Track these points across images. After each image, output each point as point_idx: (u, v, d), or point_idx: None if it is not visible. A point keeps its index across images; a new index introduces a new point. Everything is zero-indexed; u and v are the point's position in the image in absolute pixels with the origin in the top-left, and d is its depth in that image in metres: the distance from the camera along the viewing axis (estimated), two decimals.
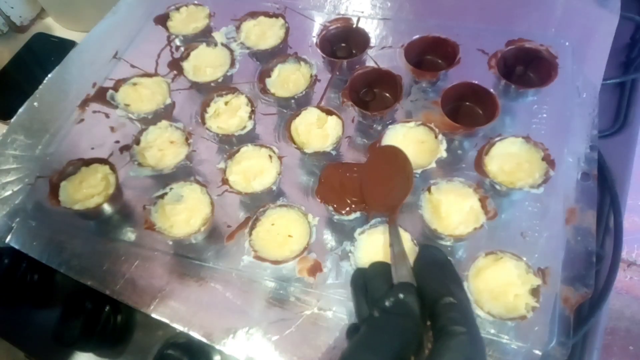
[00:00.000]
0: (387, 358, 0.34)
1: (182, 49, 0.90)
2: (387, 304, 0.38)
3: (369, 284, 0.41)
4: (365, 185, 0.64)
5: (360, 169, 0.67)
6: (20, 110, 0.83)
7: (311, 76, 0.80)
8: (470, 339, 0.35)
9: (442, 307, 0.37)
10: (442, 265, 0.42)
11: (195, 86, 0.85)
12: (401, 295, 0.38)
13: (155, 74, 0.85)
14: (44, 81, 0.86)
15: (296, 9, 0.93)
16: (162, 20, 0.93)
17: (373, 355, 0.35)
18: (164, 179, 0.73)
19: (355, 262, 0.61)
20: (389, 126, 0.72)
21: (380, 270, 0.42)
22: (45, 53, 1.02)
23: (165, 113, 0.81)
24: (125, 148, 0.79)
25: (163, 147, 0.75)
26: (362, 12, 0.90)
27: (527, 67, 0.79)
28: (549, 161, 0.65)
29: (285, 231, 0.65)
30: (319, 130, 0.73)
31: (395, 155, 0.62)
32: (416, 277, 0.40)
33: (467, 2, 0.89)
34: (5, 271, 0.70)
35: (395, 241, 0.45)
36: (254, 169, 0.71)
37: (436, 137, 0.69)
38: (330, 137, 0.72)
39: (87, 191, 0.71)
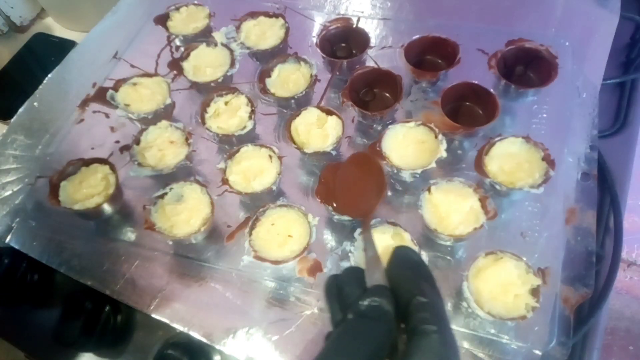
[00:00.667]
0: None
1: (182, 49, 0.90)
2: (360, 307, 0.37)
3: (342, 289, 0.40)
4: (339, 190, 0.64)
5: (335, 174, 0.67)
6: (20, 110, 0.83)
7: (311, 76, 0.80)
8: (441, 337, 0.34)
9: (414, 307, 0.36)
10: (415, 266, 0.41)
11: (195, 86, 0.85)
12: (374, 298, 0.37)
13: (155, 74, 0.85)
14: (44, 81, 0.86)
15: (296, 9, 0.93)
16: (162, 20, 0.93)
17: (346, 358, 0.35)
18: (164, 179, 0.73)
19: (355, 262, 0.61)
20: (389, 126, 0.72)
21: (353, 275, 0.41)
22: (45, 53, 1.02)
23: (165, 113, 0.81)
24: (125, 148, 0.79)
25: (163, 147, 0.75)
26: (362, 12, 0.90)
27: (527, 67, 0.79)
28: (549, 161, 0.65)
29: (285, 231, 0.65)
30: (319, 130, 0.73)
31: (369, 162, 0.62)
32: (389, 279, 0.39)
33: (467, 2, 0.89)
34: (5, 271, 0.70)
35: (368, 245, 0.44)
36: (254, 169, 0.71)
37: (436, 137, 0.69)
38: (330, 137, 0.72)
39: (87, 191, 0.71)
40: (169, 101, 0.81)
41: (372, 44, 0.84)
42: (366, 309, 0.37)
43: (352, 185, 0.62)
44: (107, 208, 0.72)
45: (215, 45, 0.87)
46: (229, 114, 0.78)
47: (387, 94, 0.80)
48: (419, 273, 0.41)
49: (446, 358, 0.34)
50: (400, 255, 0.42)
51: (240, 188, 0.69)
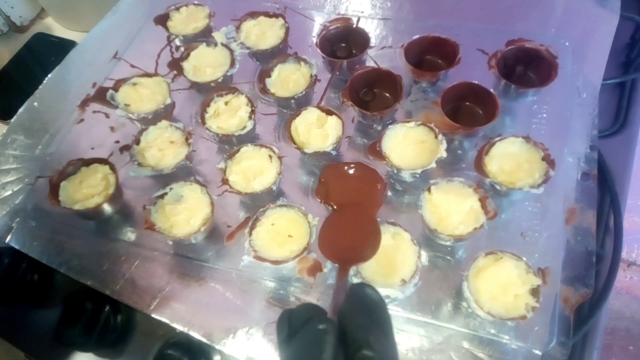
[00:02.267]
0: None
1: (182, 49, 0.90)
2: (304, 328, 0.36)
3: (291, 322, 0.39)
4: (328, 228, 0.62)
5: (334, 212, 0.67)
6: (20, 110, 0.83)
7: (311, 76, 0.80)
8: None
9: None
10: (371, 308, 0.39)
11: (195, 86, 0.85)
12: (320, 326, 0.36)
13: (155, 74, 0.85)
14: (44, 81, 0.86)
15: (296, 9, 0.93)
16: (162, 20, 0.93)
17: None
18: (164, 179, 0.73)
19: None
20: (389, 126, 0.72)
21: (305, 312, 0.39)
22: (45, 53, 1.02)
23: (165, 113, 0.81)
24: (125, 148, 0.79)
25: (163, 147, 0.75)
26: (362, 12, 0.90)
27: (527, 67, 0.79)
28: (549, 161, 0.65)
29: (285, 231, 0.65)
30: (319, 130, 0.73)
31: (374, 224, 0.61)
32: (340, 323, 0.37)
33: (467, 2, 0.89)
34: (5, 271, 0.70)
35: (339, 290, 0.42)
36: (254, 169, 0.71)
37: (436, 137, 0.69)
38: (330, 137, 0.72)
39: (87, 191, 0.71)
40: (169, 101, 0.81)
41: (372, 44, 0.84)
42: (308, 330, 0.36)
43: (343, 232, 0.62)
44: (107, 208, 0.72)
45: (215, 45, 0.87)
46: (229, 114, 0.78)
47: (387, 94, 0.80)
48: (372, 318, 0.38)
49: None
50: (356, 295, 0.40)
51: (240, 188, 0.69)
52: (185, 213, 0.68)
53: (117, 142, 0.80)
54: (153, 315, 0.64)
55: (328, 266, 0.65)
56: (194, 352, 0.62)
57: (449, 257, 0.64)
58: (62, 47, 0.99)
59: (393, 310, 0.61)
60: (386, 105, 0.76)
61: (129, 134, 0.79)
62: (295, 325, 0.38)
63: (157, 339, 0.66)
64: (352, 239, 0.60)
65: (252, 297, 0.64)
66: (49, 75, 0.87)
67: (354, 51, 0.86)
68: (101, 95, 0.84)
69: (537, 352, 0.56)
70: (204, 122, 0.77)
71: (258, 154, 0.72)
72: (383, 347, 0.35)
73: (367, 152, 0.74)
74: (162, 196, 0.69)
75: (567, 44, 0.79)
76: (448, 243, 0.64)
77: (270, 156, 0.72)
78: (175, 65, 0.87)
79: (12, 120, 0.83)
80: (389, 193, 0.71)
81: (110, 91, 0.83)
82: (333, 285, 0.55)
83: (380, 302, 0.40)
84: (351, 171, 0.73)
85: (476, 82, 0.73)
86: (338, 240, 0.60)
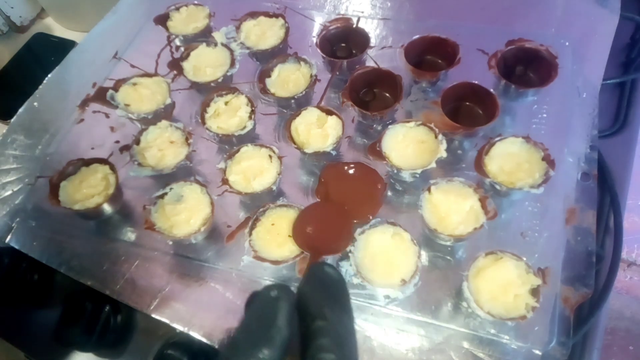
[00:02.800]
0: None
1: (182, 49, 0.90)
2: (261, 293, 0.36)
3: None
4: (303, 218, 0.64)
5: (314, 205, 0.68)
6: (20, 110, 0.83)
7: (311, 76, 0.80)
8: None
9: (312, 333, 0.33)
10: (327, 285, 0.38)
11: (195, 86, 0.85)
12: (272, 293, 0.36)
13: (155, 74, 0.85)
14: (44, 81, 0.86)
15: (296, 9, 0.93)
16: (162, 20, 0.93)
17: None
18: (164, 179, 0.73)
19: (355, 262, 0.61)
20: (389, 126, 0.72)
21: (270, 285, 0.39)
22: (45, 53, 1.02)
23: (165, 113, 0.81)
24: (125, 148, 0.79)
25: (163, 147, 0.75)
26: (362, 12, 0.90)
27: (527, 67, 0.79)
28: (549, 161, 0.65)
29: (285, 231, 0.65)
30: (319, 130, 0.73)
31: (347, 219, 0.64)
32: (298, 302, 0.37)
33: (467, 2, 0.89)
34: (5, 271, 0.70)
35: (308, 277, 0.41)
36: (254, 169, 0.71)
37: (436, 137, 0.69)
38: (330, 137, 0.72)
39: (87, 191, 0.71)
40: (169, 101, 0.81)
41: (372, 44, 0.84)
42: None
43: (320, 223, 0.64)
44: (107, 208, 0.72)
45: (215, 45, 0.87)
46: (229, 114, 0.78)
47: (387, 94, 0.80)
48: (329, 293, 0.38)
49: None
50: (314, 274, 0.40)
51: (240, 188, 0.69)
52: (185, 213, 0.68)
53: (117, 142, 0.80)
54: (153, 315, 0.64)
55: None
56: (194, 352, 0.62)
57: (449, 257, 0.64)
58: (62, 47, 0.99)
59: (393, 310, 0.61)
60: (386, 105, 0.76)
61: (129, 134, 0.79)
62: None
63: (157, 339, 0.66)
64: (325, 230, 0.63)
65: None
66: (49, 75, 0.87)
67: (354, 51, 0.86)
68: (101, 95, 0.84)
69: (537, 352, 0.56)
70: (204, 122, 0.77)
71: (258, 154, 0.72)
72: (338, 318, 0.35)
73: (367, 152, 0.74)
74: (162, 196, 0.69)
75: (567, 44, 0.79)
76: (448, 243, 0.64)
77: (270, 156, 0.72)
78: (175, 65, 0.87)
79: (12, 120, 0.83)
80: (389, 193, 0.71)
81: (110, 91, 0.83)
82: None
83: (338, 278, 0.40)
84: (351, 171, 0.73)
85: (476, 82, 0.73)
86: (312, 230, 0.63)
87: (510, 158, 0.67)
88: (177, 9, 0.94)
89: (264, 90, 0.80)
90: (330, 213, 0.67)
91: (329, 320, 0.34)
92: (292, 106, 0.81)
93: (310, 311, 0.35)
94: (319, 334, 0.33)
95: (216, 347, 0.61)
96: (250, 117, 0.77)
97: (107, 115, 0.84)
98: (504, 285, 0.57)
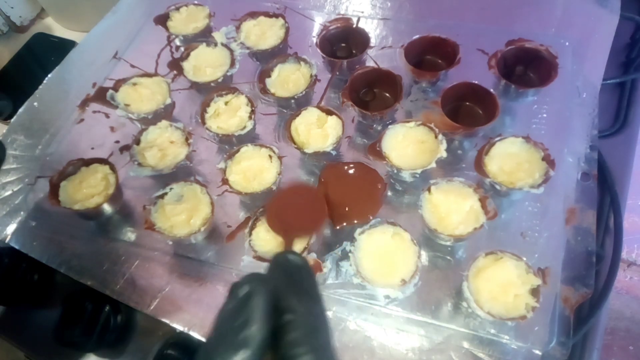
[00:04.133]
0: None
1: (182, 49, 0.90)
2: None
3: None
4: (275, 201, 0.61)
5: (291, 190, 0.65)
6: (20, 110, 0.83)
7: (311, 76, 0.80)
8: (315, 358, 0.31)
9: (282, 328, 0.32)
10: (291, 273, 0.37)
11: (195, 86, 0.85)
12: (243, 291, 0.33)
13: (155, 74, 0.85)
14: (44, 81, 0.86)
15: (296, 9, 0.93)
16: (162, 20, 0.93)
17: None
18: (164, 179, 0.73)
19: (355, 262, 0.61)
20: (389, 126, 0.72)
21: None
22: (45, 53, 1.02)
23: (165, 113, 0.81)
24: (125, 148, 0.79)
25: (163, 147, 0.75)
26: (362, 12, 0.90)
27: (527, 67, 0.79)
28: (549, 161, 0.65)
29: None
30: (319, 130, 0.73)
31: (320, 201, 0.60)
32: None
33: (467, 2, 0.89)
34: (5, 271, 0.70)
35: (274, 267, 0.40)
36: (254, 169, 0.71)
37: (436, 137, 0.69)
38: (330, 137, 0.72)
39: (87, 191, 0.71)
40: (169, 101, 0.81)
41: (372, 44, 0.84)
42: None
43: (293, 208, 0.59)
44: (107, 208, 0.72)
45: (215, 45, 0.87)
46: (229, 114, 0.78)
47: (387, 94, 0.80)
48: (293, 282, 0.37)
49: None
50: (277, 262, 0.39)
51: (240, 188, 0.69)
52: (185, 213, 0.68)
53: (117, 142, 0.80)
54: (153, 315, 0.64)
55: (328, 266, 0.65)
56: (194, 352, 0.62)
57: (449, 257, 0.64)
58: (62, 47, 0.99)
59: (393, 310, 0.61)
60: (386, 105, 0.76)
61: (129, 134, 0.79)
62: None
63: (157, 339, 0.66)
64: (297, 212, 0.59)
65: None
66: (49, 75, 0.87)
67: (354, 51, 0.86)
68: (101, 95, 0.84)
69: (537, 352, 0.56)
70: (204, 122, 0.77)
71: (258, 154, 0.72)
72: (306, 307, 0.35)
73: (367, 152, 0.74)
74: (162, 196, 0.69)
75: (567, 44, 0.79)
76: (448, 243, 0.64)
77: (270, 156, 0.72)
78: (175, 65, 0.87)
79: (12, 120, 0.83)
80: (389, 193, 0.71)
81: (110, 91, 0.83)
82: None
83: (302, 264, 0.39)
84: (351, 171, 0.73)
85: (476, 82, 0.73)
86: (283, 213, 0.59)
87: (510, 158, 0.67)
88: (177, 9, 0.94)
89: (264, 90, 0.80)
90: (300, 194, 0.63)
91: (297, 312, 0.34)
92: (292, 106, 0.81)
93: (277, 305, 0.34)
94: (289, 328, 0.33)
95: None
96: (250, 117, 0.77)
97: (107, 115, 0.84)
98: (504, 285, 0.57)
